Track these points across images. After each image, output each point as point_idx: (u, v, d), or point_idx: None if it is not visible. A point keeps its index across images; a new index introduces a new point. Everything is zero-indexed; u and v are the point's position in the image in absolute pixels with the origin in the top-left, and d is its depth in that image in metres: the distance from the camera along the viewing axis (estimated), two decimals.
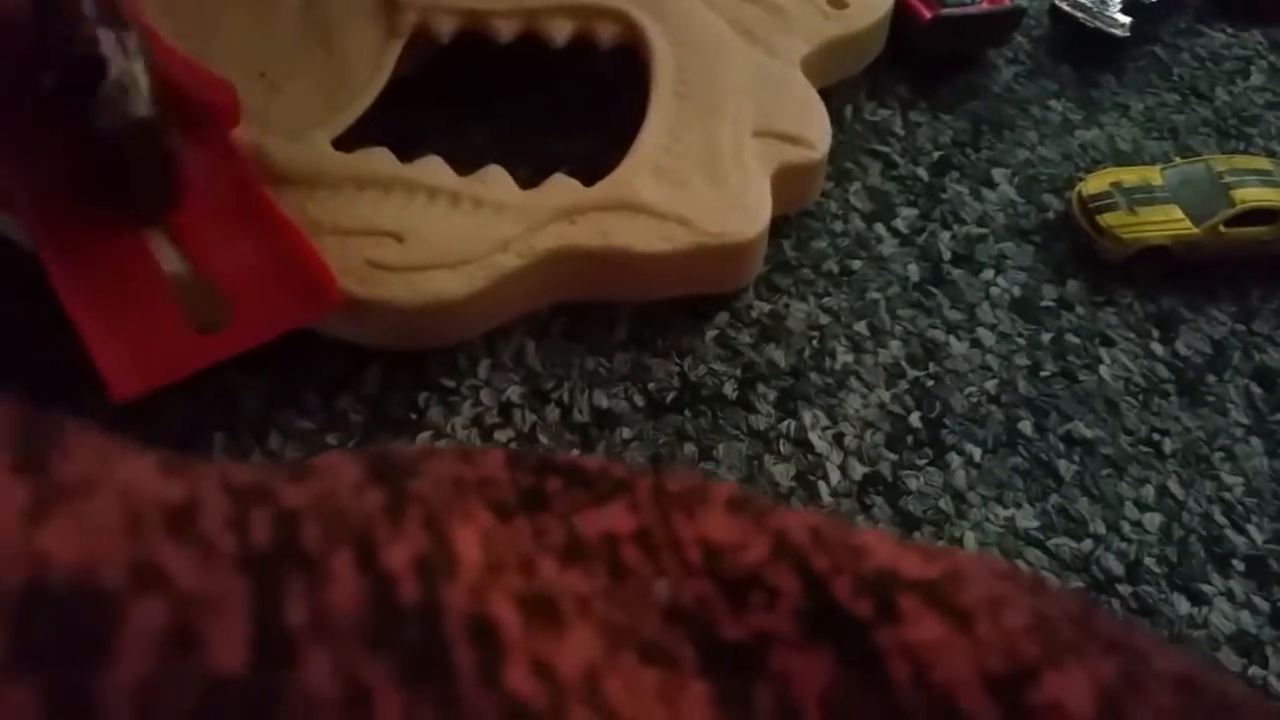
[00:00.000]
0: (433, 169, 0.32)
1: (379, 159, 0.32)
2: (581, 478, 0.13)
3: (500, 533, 0.12)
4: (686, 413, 0.31)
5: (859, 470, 0.30)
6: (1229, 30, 0.46)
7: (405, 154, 0.33)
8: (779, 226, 0.35)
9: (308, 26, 0.35)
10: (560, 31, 0.36)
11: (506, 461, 0.13)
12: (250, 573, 0.10)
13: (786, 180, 0.34)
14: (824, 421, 0.31)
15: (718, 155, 0.33)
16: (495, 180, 0.32)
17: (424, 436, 0.30)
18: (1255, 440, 0.33)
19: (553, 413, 0.31)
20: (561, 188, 0.32)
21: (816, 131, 0.35)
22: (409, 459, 0.12)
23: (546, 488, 0.13)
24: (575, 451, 0.30)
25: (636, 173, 0.33)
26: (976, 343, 0.34)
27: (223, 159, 0.30)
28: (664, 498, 0.13)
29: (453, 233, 0.31)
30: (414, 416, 0.30)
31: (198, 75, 0.31)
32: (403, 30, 0.35)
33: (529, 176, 0.33)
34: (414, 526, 0.11)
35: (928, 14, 0.40)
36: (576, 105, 0.38)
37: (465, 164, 0.33)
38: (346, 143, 0.33)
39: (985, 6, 0.41)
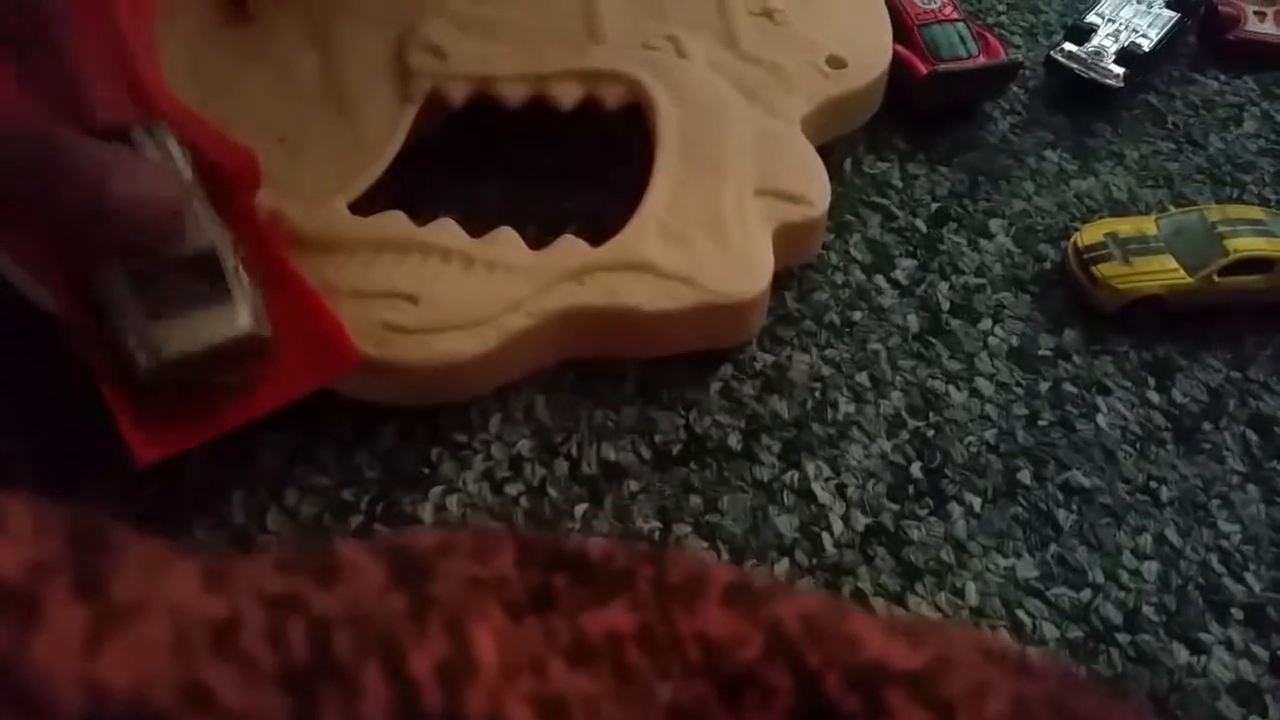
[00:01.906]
0: (446, 231, 0.33)
1: (394, 223, 0.33)
2: (587, 573, 0.14)
3: (513, 633, 0.13)
4: (692, 465, 0.32)
5: (862, 521, 0.31)
6: (1221, 77, 0.47)
7: (419, 214, 0.34)
8: (781, 279, 0.36)
9: (325, 92, 0.36)
10: (568, 95, 0.37)
11: (516, 558, 0.14)
12: (289, 689, 0.11)
13: (788, 237, 0.35)
14: (827, 472, 0.32)
15: (721, 214, 0.34)
16: (506, 242, 0.33)
17: (436, 491, 0.31)
18: (1252, 487, 0.33)
19: (561, 466, 0.32)
20: (570, 249, 0.33)
21: (816, 190, 0.36)
22: (427, 558, 0.13)
23: (554, 586, 0.14)
24: (583, 506, 0.31)
25: (642, 233, 0.34)
26: (975, 392, 0.35)
27: (243, 223, 0.31)
28: (664, 591, 0.14)
29: (466, 294, 0.32)
30: (427, 471, 0.31)
31: (221, 142, 0.32)
32: (416, 96, 0.36)
33: (538, 234, 0.34)
34: (436, 630, 0.12)
35: (924, 69, 0.41)
36: (583, 162, 0.39)
37: (477, 223, 0.34)
38: (363, 204, 0.34)
39: (981, 61, 0.42)
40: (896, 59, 0.41)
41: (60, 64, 0.29)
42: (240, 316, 0.28)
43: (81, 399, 0.28)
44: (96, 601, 0.11)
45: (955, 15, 0.43)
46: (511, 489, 0.31)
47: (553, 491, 0.31)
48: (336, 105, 0.36)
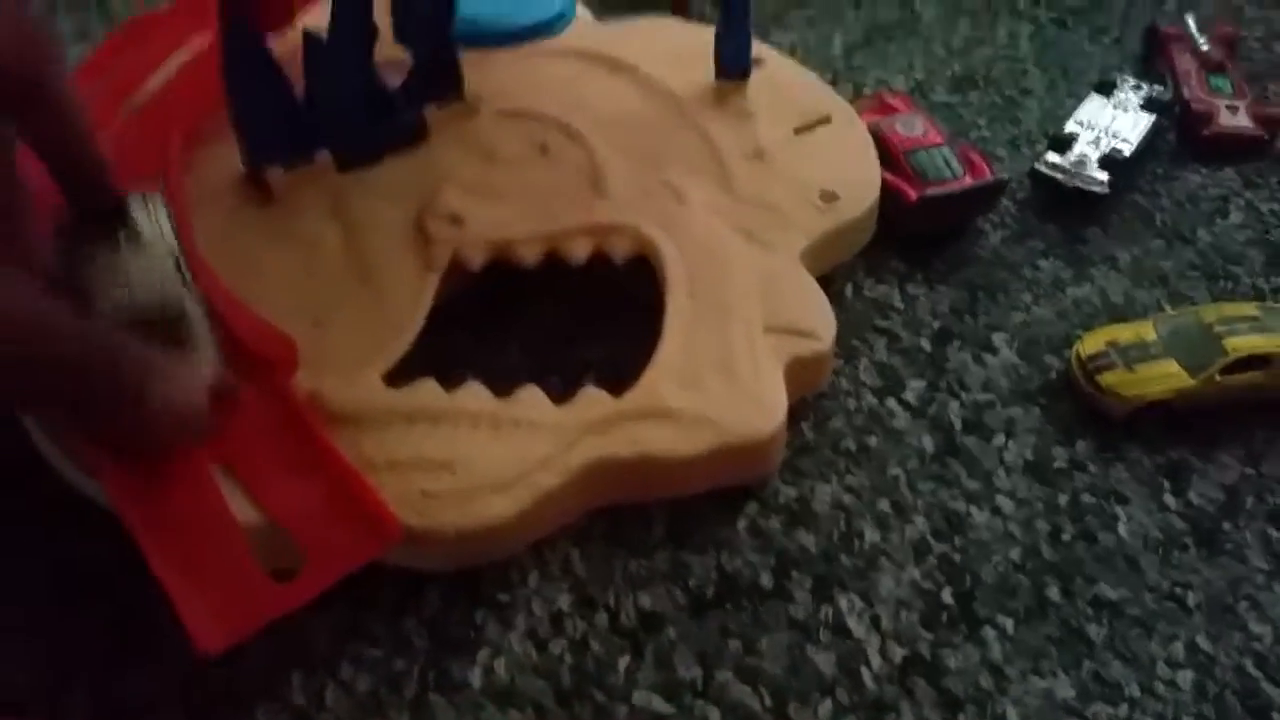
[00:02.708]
0: (474, 396, 0.35)
1: (425, 392, 0.35)
2: None
3: None
4: (727, 607, 0.33)
5: (898, 653, 0.32)
6: (1203, 171, 0.49)
7: (446, 375, 0.35)
8: (796, 409, 0.37)
9: (350, 266, 0.38)
10: (579, 250, 0.39)
11: None
12: None
13: (799, 371, 0.36)
14: (859, 605, 0.33)
15: (732, 355, 0.36)
16: (530, 400, 0.35)
17: (484, 654, 0.32)
18: (1278, 586, 0.34)
19: (601, 619, 0.33)
20: (591, 402, 0.35)
21: (822, 322, 0.37)
22: None
23: None
24: (626, 659, 0.31)
25: (659, 380, 0.35)
26: (997, 510, 0.36)
27: (285, 408, 0.33)
28: None
29: (496, 457, 0.33)
30: (472, 634, 0.32)
31: (263, 331, 0.34)
32: (438, 264, 0.38)
33: (559, 385, 0.36)
34: None
35: (914, 195, 0.43)
36: (598, 313, 0.41)
37: (501, 379, 0.35)
38: (395, 373, 0.35)
39: (968, 182, 0.44)
40: (885, 187, 0.43)
41: (63, 128, 0.30)
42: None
43: (140, 589, 0.29)
44: None
45: (939, 140, 0.45)
46: (555, 646, 0.32)
47: (595, 645, 0.32)
48: (361, 277, 0.38)
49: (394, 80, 0.42)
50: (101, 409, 0.29)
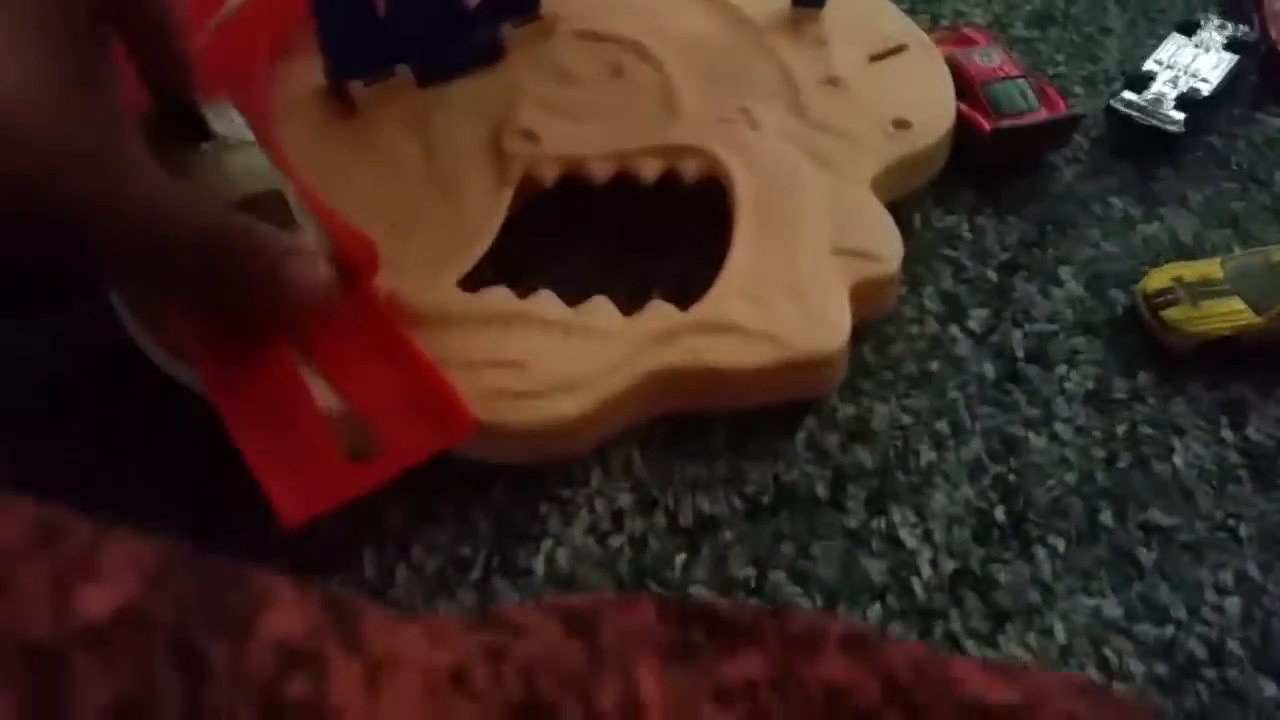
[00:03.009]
0: (545, 303, 0.36)
1: (499, 297, 0.36)
2: (718, 626, 0.16)
3: (668, 678, 0.15)
4: (783, 514, 0.34)
5: (949, 565, 0.33)
6: None
7: (517, 284, 0.37)
8: (858, 332, 0.38)
9: (429, 179, 0.40)
10: (649, 170, 0.40)
11: (657, 614, 0.16)
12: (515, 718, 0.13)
13: (863, 293, 0.37)
14: (912, 519, 0.34)
15: (799, 275, 0.37)
16: (600, 310, 0.36)
17: (547, 544, 0.33)
18: None
19: (660, 518, 0.34)
20: (658, 314, 0.36)
21: (888, 247, 0.38)
22: (589, 614, 0.16)
23: (693, 638, 0.16)
24: (682, 556, 0.33)
25: (725, 296, 0.36)
26: (1054, 437, 0.36)
27: (366, 305, 0.34)
28: (787, 642, 0.16)
29: (565, 360, 0.34)
30: (536, 526, 0.34)
31: (346, 232, 0.35)
32: (512, 178, 0.39)
33: (626, 297, 0.37)
34: (611, 674, 0.14)
35: (988, 126, 0.43)
36: (665, 230, 0.41)
37: (570, 289, 0.36)
38: (468, 278, 0.37)
39: (1043, 115, 0.44)
40: (960, 117, 0.43)
41: (156, 26, 0.32)
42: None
43: (222, 469, 0.31)
44: (363, 656, 0.13)
45: (1015, 71, 0.45)
46: (614, 541, 0.33)
47: (653, 543, 0.33)
48: (440, 190, 0.39)
49: None
50: (237, 289, 0.31)
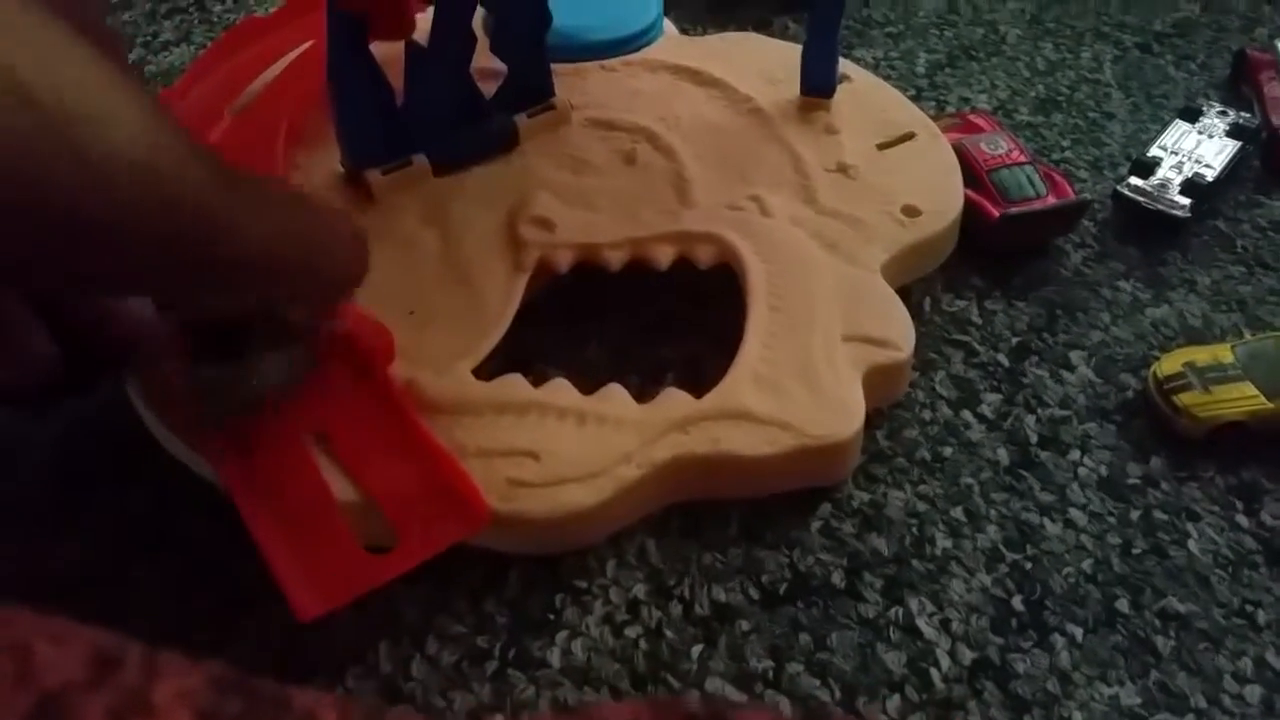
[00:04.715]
0: (560, 391, 0.36)
1: (514, 385, 0.36)
2: None
3: None
4: (799, 603, 0.34)
5: (968, 655, 0.32)
6: None
7: (531, 371, 0.37)
8: (872, 418, 0.38)
9: (446, 266, 0.40)
10: (664, 256, 0.41)
11: None
12: None
13: (876, 379, 0.37)
14: (930, 608, 0.34)
15: (812, 361, 0.37)
16: (615, 398, 0.36)
17: (562, 635, 0.33)
18: None
19: (675, 608, 0.34)
20: (674, 401, 0.36)
21: (901, 333, 0.38)
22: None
23: None
24: (699, 647, 0.33)
25: (740, 383, 0.36)
26: (1070, 523, 0.36)
27: (383, 394, 0.35)
28: None
29: (580, 449, 0.34)
30: (552, 617, 0.33)
31: (363, 322, 0.36)
32: (527, 265, 0.40)
33: (640, 383, 0.37)
34: None
35: (995, 212, 0.44)
36: (679, 316, 0.42)
37: (585, 377, 0.37)
38: (483, 366, 0.37)
39: (1051, 201, 0.44)
40: (968, 203, 0.43)
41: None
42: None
43: (240, 559, 0.31)
44: None
45: (1023, 158, 0.45)
46: (630, 632, 0.33)
47: (669, 633, 0.33)
48: (456, 278, 0.40)
49: (488, 89, 0.44)
50: (326, 272, 0.31)
